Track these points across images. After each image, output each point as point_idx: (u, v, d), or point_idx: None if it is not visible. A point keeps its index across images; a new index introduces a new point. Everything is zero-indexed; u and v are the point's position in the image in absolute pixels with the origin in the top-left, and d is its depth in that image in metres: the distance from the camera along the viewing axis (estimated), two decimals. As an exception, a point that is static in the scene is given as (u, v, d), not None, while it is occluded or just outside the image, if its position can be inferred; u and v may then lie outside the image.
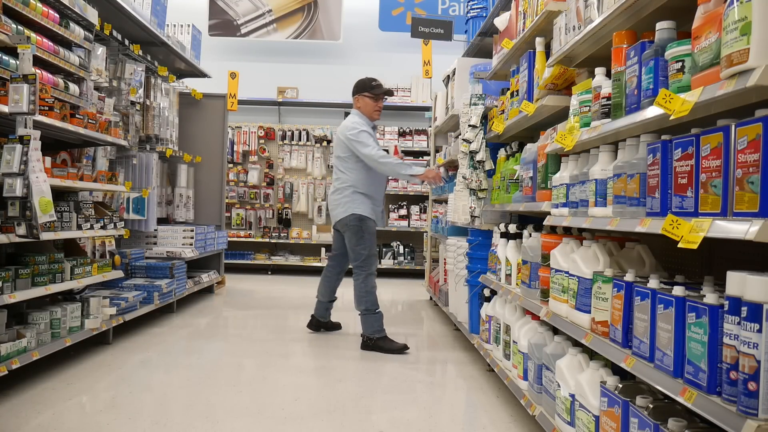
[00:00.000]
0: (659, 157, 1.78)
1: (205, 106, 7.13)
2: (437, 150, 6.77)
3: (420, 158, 8.86)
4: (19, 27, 3.40)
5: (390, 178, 4.77)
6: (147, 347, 4.31)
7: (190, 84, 7.17)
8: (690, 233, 1.56)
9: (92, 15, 4.20)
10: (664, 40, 1.87)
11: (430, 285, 6.64)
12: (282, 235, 9.04)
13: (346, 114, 9.27)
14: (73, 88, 3.99)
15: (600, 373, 2.16)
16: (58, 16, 3.83)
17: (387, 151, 4.92)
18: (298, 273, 9.07)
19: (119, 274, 4.60)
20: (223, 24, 9.35)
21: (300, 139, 9.24)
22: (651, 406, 1.76)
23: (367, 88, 4.69)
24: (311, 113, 9.44)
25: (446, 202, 5.51)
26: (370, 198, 4.56)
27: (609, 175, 2.17)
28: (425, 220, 8.50)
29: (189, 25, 6.65)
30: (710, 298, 1.52)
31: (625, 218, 1.99)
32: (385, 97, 4.73)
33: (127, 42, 5.12)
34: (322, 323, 4.98)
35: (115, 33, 4.84)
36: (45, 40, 3.69)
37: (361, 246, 4.50)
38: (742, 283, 1.39)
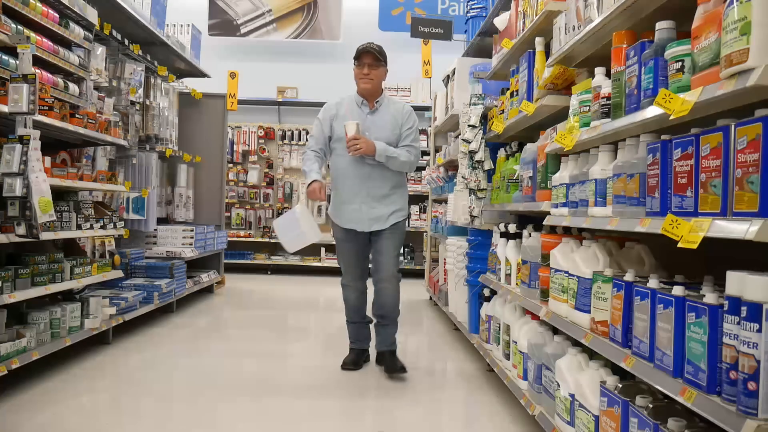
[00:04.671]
0: (659, 156, 1.78)
1: (205, 106, 7.12)
2: (437, 150, 6.77)
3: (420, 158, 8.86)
4: (18, 27, 3.40)
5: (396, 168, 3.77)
6: (147, 347, 4.30)
7: (190, 84, 7.17)
8: (690, 233, 1.56)
9: (92, 15, 4.20)
10: (663, 40, 1.87)
11: (430, 285, 6.64)
12: (282, 234, 9.03)
13: (346, 114, 9.37)
14: (73, 87, 3.99)
15: (600, 373, 2.16)
16: (57, 15, 3.83)
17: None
18: (297, 273, 9.07)
19: (119, 273, 4.60)
20: (222, 24, 9.35)
21: (300, 139, 9.24)
22: (651, 405, 1.76)
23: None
24: (311, 113, 9.39)
25: (446, 202, 5.51)
26: (339, 195, 3.84)
27: (609, 175, 2.17)
28: (425, 220, 8.50)
29: (189, 25, 6.65)
30: (710, 298, 1.52)
31: (625, 218, 1.99)
32: (366, 61, 3.71)
33: (126, 42, 5.11)
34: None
35: (114, 33, 4.84)
36: (45, 39, 3.69)
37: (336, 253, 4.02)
38: (741, 283, 1.39)
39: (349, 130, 3.59)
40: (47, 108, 3.51)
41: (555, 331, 2.71)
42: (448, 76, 5.76)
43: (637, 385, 1.95)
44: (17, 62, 3.26)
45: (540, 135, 3.07)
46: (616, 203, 2.09)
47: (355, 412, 3.08)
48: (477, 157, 4.01)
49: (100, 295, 4.28)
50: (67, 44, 4.01)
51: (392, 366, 3.71)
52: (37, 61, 3.59)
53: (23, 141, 3.15)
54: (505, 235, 3.44)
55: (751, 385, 1.34)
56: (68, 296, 4.06)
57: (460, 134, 4.55)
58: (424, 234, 7.81)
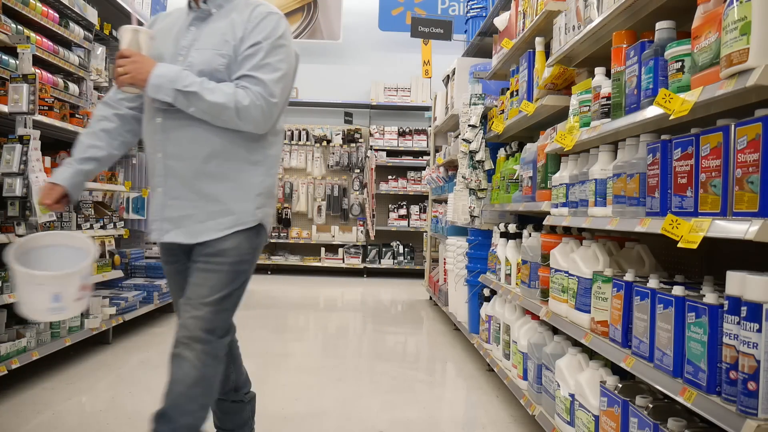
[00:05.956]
0: (659, 156, 1.78)
1: (205, 106, 7.11)
2: (437, 150, 6.78)
3: (420, 158, 8.87)
4: (18, 27, 3.41)
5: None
6: (147, 347, 4.30)
7: (190, 84, 7.15)
8: (690, 233, 1.56)
9: (92, 15, 4.20)
10: (663, 39, 1.87)
11: (429, 285, 6.64)
12: (282, 234, 9.03)
13: (346, 114, 9.38)
14: (73, 87, 3.99)
15: (600, 373, 2.16)
16: (57, 15, 3.84)
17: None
18: (297, 273, 9.07)
19: (119, 273, 4.60)
20: (222, 24, 9.33)
21: (300, 139, 9.23)
22: (650, 405, 1.76)
23: None
24: (311, 113, 9.43)
25: (446, 202, 5.51)
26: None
27: (609, 175, 2.17)
28: (425, 220, 8.50)
29: (189, 25, 6.64)
30: (710, 297, 1.52)
31: (625, 218, 1.99)
32: None
33: (126, 42, 5.11)
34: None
35: (114, 33, 4.84)
36: (45, 39, 3.69)
37: None
38: (741, 283, 1.39)
39: (121, 40, 1.97)
40: (47, 108, 3.51)
41: (555, 331, 2.71)
42: (448, 76, 5.76)
43: (637, 385, 1.95)
44: (17, 62, 3.26)
45: (540, 135, 3.07)
46: (616, 203, 2.09)
47: (355, 412, 3.08)
48: (478, 156, 4.01)
49: (100, 294, 4.28)
50: (67, 44, 4.02)
51: None
52: (37, 61, 3.59)
53: (23, 141, 3.15)
54: (505, 235, 3.44)
55: (751, 385, 1.34)
56: (68, 296, 4.06)
57: (460, 134, 4.55)
58: (424, 234, 7.81)
